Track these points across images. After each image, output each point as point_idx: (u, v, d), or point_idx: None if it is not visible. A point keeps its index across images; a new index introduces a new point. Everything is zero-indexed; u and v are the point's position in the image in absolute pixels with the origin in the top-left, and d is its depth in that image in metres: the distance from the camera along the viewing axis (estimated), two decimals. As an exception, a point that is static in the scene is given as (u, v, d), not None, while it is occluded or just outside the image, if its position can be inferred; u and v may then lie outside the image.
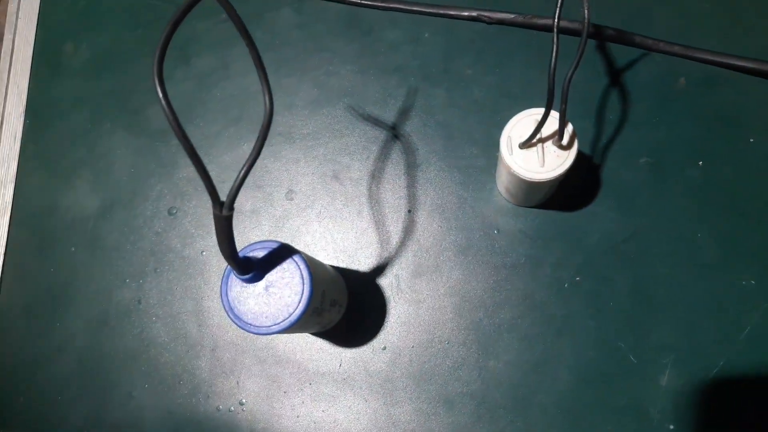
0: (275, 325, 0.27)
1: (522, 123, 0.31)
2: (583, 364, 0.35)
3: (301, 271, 0.28)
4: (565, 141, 0.30)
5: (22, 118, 0.42)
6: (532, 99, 0.38)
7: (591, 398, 0.34)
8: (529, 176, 0.30)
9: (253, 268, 0.27)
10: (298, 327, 0.29)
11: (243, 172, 0.25)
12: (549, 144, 0.30)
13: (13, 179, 0.41)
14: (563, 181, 0.33)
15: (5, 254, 0.40)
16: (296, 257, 0.28)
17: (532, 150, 0.31)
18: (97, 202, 0.40)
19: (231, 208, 0.25)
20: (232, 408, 0.36)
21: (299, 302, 0.28)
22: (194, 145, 0.38)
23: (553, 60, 0.27)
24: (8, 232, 0.40)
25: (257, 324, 0.28)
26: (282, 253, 0.28)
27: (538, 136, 0.30)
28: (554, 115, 0.30)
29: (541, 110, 0.31)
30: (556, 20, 0.26)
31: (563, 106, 0.28)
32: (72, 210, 0.40)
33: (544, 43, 0.39)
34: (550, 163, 0.30)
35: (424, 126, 0.39)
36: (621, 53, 0.38)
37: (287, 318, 0.27)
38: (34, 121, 0.42)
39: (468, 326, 0.36)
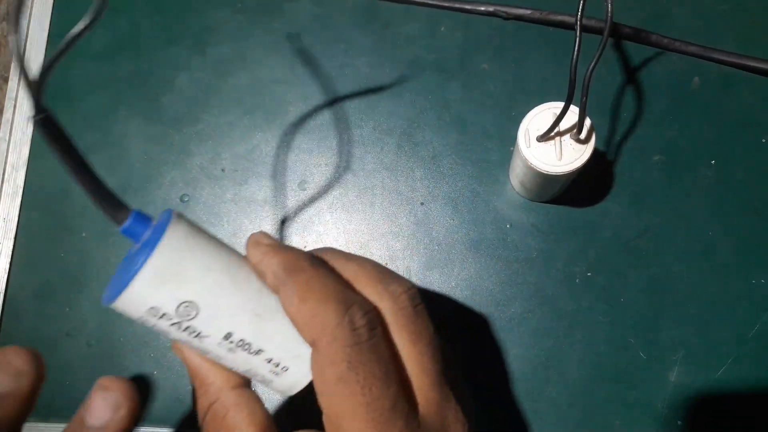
0: (108, 297, 0.21)
1: (540, 116, 0.31)
2: (593, 359, 0.35)
3: (161, 232, 0.20)
4: (583, 135, 0.30)
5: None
6: (547, 95, 0.38)
7: (601, 393, 0.35)
8: (546, 169, 0.30)
9: (134, 221, 0.21)
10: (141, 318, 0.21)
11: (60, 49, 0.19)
12: (567, 137, 0.31)
13: (26, 163, 0.41)
14: (577, 176, 0.33)
15: (16, 238, 0.40)
16: (172, 218, 0.21)
17: (550, 143, 0.31)
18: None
19: (42, 109, 0.19)
20: (242, 396, 0.36)
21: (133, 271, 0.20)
22: (209, 134, 0.38)
23: (575, 53, 0.27)
24: (20, 216, 0.40)
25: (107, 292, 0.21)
26: (168, 217, 0.21)
27: (556, 130, 0.30)
28: (572, 109, 0.30)
29: (559, 104, 0.31)
30: (579, 14, 0.27)
31: (584, 98, 0.28)
32: (84, 195, 0.40)
33: (560, 40, 0.39)
34: (568, 156, 0.30)
35: (439, 119, 0.39)
36: (637, 52, 0.38)
37: (117, 290, 0.20)
38: (48, 105, 0.41)
39: (479, 320, 0.36)
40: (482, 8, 0.39)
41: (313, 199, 0.39)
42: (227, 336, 0.21)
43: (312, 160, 0.39)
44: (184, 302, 0.21)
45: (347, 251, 0.24)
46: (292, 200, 0.39)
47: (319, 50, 0.41)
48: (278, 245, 0.22)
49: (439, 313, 0.36)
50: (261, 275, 0.22)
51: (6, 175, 0.41)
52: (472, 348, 0.36)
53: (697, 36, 0.38)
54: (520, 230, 0.37)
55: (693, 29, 0.38)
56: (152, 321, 0.21)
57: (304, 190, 0.39)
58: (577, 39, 0.27)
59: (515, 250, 0.37)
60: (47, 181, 0.40)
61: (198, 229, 0.22)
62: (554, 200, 0.37)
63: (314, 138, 0.40)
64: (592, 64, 0.28)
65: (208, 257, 0.21)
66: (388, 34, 0.40)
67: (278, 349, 0.22)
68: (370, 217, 0.38)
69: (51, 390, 0.37)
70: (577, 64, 0.27)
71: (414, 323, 0.21)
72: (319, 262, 0.22)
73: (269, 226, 0.38)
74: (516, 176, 0.35)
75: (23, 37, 0.42)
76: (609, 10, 0.26)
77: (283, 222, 0.39)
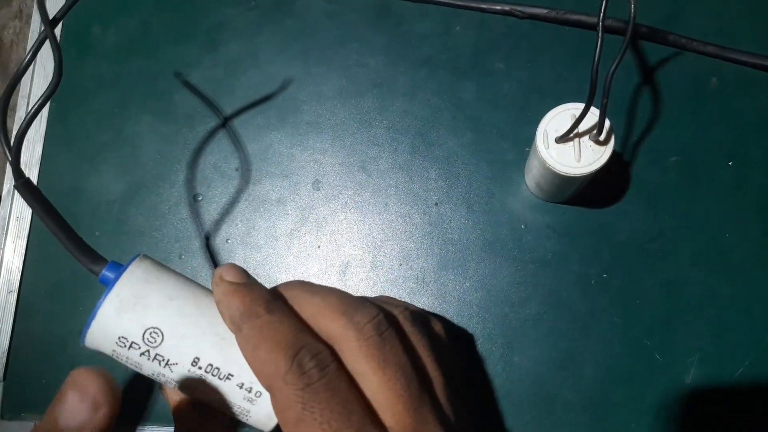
0: (82, 335, 0.23)
1: (558, 117, 0.31)
2: (608, 361, 0.35)
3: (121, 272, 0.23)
4: (602, 136, 0.30)
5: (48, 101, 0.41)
6: (562, 94, 0.38)
7: (616, 395, 0.34)
8: (565, 171, 0.30)
9: (108, 269, 0.24)
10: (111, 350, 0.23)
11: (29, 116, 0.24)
12: (585, 139, 0.30)
13: (39, 161, 0.40)
14: (593, 177, 0.33)
15: (29, 237, 0.40)
16: (137, 258, 0.24)
17: (569, 144, 0.30)
18: (123, 186, 0.40)
19: (21, 175, 0.24)
20: (255, 396, 0.36)
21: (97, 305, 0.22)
22: (222, 133, 0.38)
23: (597, 55, 0.26)
24: (32, 216, 0.40)
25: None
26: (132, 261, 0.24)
27: (575, 131, 0.30)
28: (592, 111, 0.30)
29: (578, 105, 0.31)
30: (601, 15, 0.26)
31: (605, 100, 0.28)
32: (97, 193, 0.40)
33: (576, 39, 0.39)
34: (587, 158, 0.30)
35: (453, 119, 0.39)
36: (654, 52, 0.38)
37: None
38: (60, 104, 0.41)
39: (493, 321, 0.36)
40: (497, 7, 0.39)
41: (327, 199, 0.39)
42: (195, 361, 0.22)
43: (326, 159, 0.39)
44: (148, 329, 0.22)
45: (314, 283, 0.25)
46: (306, 200, 0.39)
47: (332, 48, 0.40)
48: (239, 285, 0.23)
49: (454, 315, 0.36)
50: (221, 315, 0.23)
51: (18, 174, 0.40)
52: (485, 350, 0.36)
53: (715, 36, 0.38)
54: (535, 231, 0.37)
55: (711, 29, 0.38)
56: (124, 353, 0.23)
57: (318, 189, 0.39)
58: (599, 41, 0.26)
59: (530, 251, 0.37)
60: (60, 179, 0.40)
61: (162, 266, 0.24)
62: (570, 201, 0.37)
63: (328, 137, 0.39)
64: (613, 66, 0.28)
65: (169, 287, 0.23)
66: (401, 32, 0.40)
67: (247, 372, 0.22)
68: (384, 217, 0.38)
69: (64, 389, 0.37)
70: (599, 66, 0.27)
71: (381, 351, 0.22)
72: (277, 303, 0.23)
73: (283, 226, 0.38)
74: (532, 177, 0.35)
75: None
76: (632, 11, 0.26)
77: (297, 222, 0.38)
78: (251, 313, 0.22)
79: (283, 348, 0.21)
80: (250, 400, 0.23)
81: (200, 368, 0.22)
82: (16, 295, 0.39)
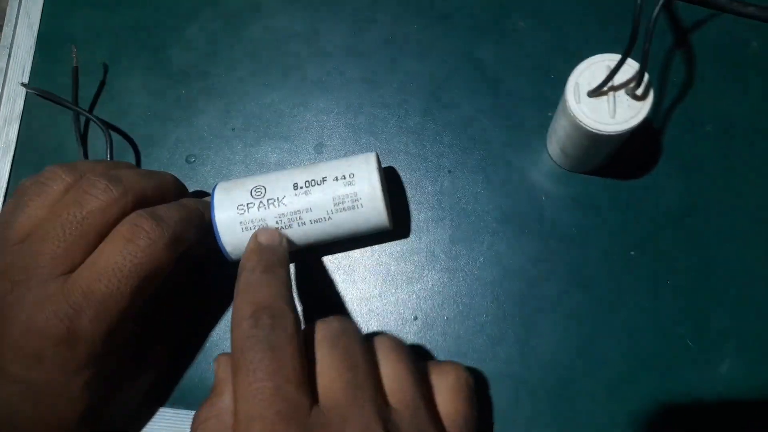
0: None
1: (591, 69, 0.28)
2: (634, 347, 0.32)
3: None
4: (640, 90, 0.27)
5: (32, 52, 0.38)
6: (589, 56, 0.35)
7: (642, 385, 0.31)
8: (598, 128, 0.27)
9: None
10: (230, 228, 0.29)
11: None
12: (621, 93, 0.27)
13: (19, 117, 0.37)
14: (623, 143, 0.29)
15: (6, 195, 0.37)
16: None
17: (602, 99, 0.27)
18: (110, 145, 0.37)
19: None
20: (246, 375, 0.33)
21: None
22: (219, 90, 0.35)
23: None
24: (11, 173, 0.37)
25: None
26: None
27: (609, 84, 0.27)
28: (628, 62, 0.27)
29: (614, 56, 0.28)
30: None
31: (647, 45, 0.25)
32: (81, 152, 0.37)
33: (606, -2, 0.36)
34: (622, 114, 0.27)
35: (470, 81, 0.36)
36: (689, 13, 0.35)
37: None
38: (45, 56, 0.38)
39: (509, 300, 0.33)
40: (521, -39, 0.36)
41: (329, 164, 0.35)
42: (295, 186, 0.29)
43: (330, 121, 0.36)
44: (252, 188, 0.29)
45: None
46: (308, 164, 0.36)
47: (341, 3, 0.37)
48: (264, 246, 0.27)
49: (466, 292, 0.33)
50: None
51: (-3, 129, 0.37)
52: (500, 331, 0.32)
53: (759, -4, 0.35)
54: (556, 203, 0.34)
55: (754, -11, 0.35)
56: (247, 217, 0.29)
57: (321, 153, 0.36)
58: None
59: (551, 225, 0.34)
60: (41, 136, 0.37)
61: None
62: (595, 171, 0.34)
63: (333, 98, 0.36)
64: (657, 9, 0.25)
65: (247, 178, 0.30)
66: (416, -13, 0.37)
67: (334, 169, 0.29)
68: (391, 184, 0.35)
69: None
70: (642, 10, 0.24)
71: (336, 338, 0.24)
72: (280, 270, 0.26)
73: (281, 192, 0.35)
74: (557, 141, 0.32)
75: None
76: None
77: (297, 187, 0.35)
78: (249, 268, 0.26)
79: (253, 303, 0.24)
80: (350, 183, 0.28)
81: (301, 188, 0.28)
82: (-11, 258, 0.36)
